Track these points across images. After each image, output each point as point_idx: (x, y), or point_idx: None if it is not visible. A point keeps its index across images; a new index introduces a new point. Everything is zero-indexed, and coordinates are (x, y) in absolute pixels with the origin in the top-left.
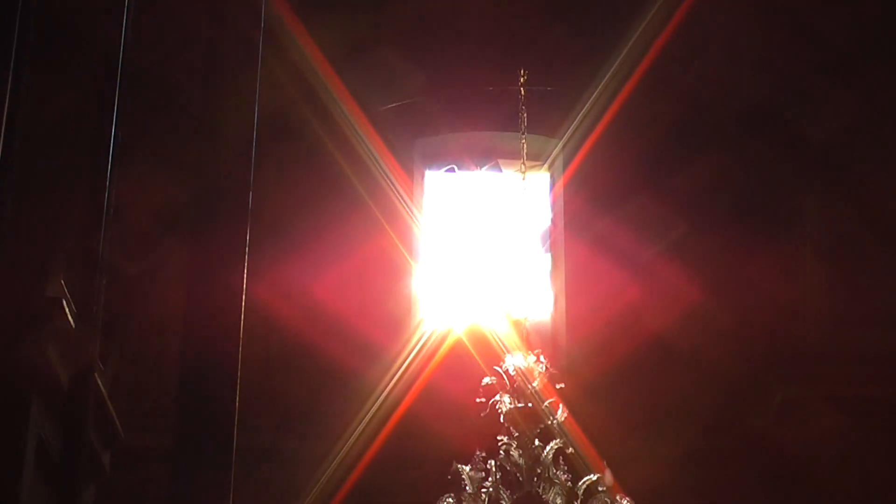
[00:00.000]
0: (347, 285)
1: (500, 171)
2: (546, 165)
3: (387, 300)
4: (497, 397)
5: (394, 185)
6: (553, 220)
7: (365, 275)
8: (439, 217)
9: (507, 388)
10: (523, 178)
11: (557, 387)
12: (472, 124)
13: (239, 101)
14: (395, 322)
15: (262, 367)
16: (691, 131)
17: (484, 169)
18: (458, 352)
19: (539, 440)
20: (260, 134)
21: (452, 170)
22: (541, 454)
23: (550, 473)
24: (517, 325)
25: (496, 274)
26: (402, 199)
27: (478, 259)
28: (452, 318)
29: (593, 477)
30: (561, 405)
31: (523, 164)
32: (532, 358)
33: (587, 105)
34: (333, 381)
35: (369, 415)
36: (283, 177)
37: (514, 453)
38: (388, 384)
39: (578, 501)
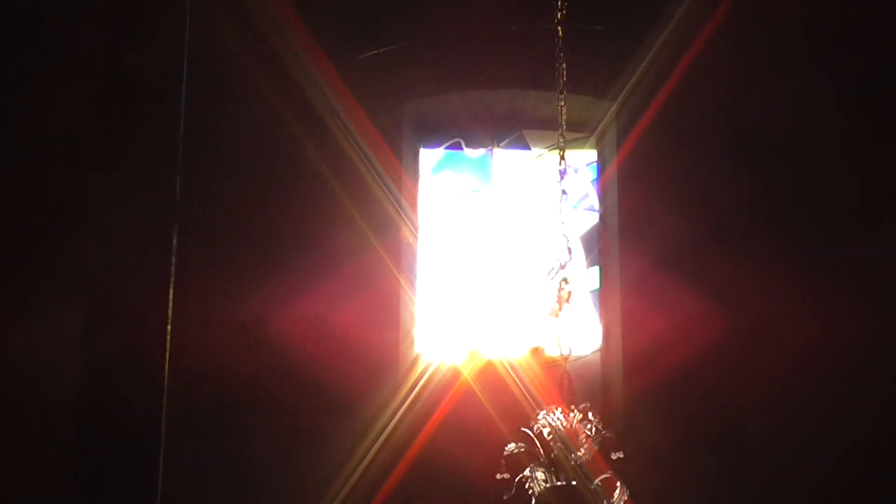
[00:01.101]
0: (317, 316)
1: (527, 147)
2: (593, 140)
3: (371, 332)
4: (527, 472)
5: (376, 171)
6: (602, 220)
7: (341, 301)
8: (440, 216)
9: (541, 458)
10: (561, 159)
11: (613, 457)
12: (485, 80)
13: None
14: (383, 361)
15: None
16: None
17: (502, 145)
18: (466, 402)
19: None
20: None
21: (458, 146)
22: None
23: None
24: (554, 366)
25: (521, 295)
26: (388, 191)
27: (495, 274)
28: (459, 354)
29: None
30: (619, 485)
31: (561, 137)
32: (577, 415)
33: (653, 51)
34: (303, 444)
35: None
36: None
37: None
38: (369, 447)
39: None
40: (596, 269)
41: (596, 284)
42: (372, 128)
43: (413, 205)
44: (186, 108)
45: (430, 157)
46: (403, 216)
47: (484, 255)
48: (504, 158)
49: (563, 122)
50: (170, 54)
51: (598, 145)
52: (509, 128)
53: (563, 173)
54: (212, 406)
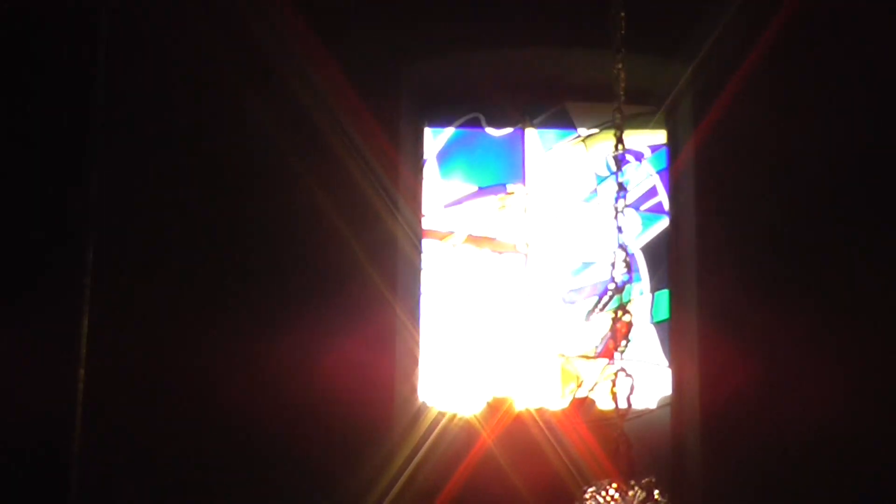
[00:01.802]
0: (282, 364)
1: (571, 126)
2: (661, 117)
3: (359, 378)
4: None
5: (364, 160)
6: (675, 226)
7: (317, 340)
8: (450, 219)
9: None
10: (617, 142)
11: None
12: (513, 34)
13: None
14: (374, 416)
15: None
16: None
17: (536, 122)
18: (485, 471)
19: None
20: None
21: (475, 124)
22: None
23: None
24: (607, 425)
25: (560, 327)
26: (379, 187)
27: (524, 298)
28: (475, 404)
29: None
30: None
31: (617, 112)
32: (638, 493)
33: None
34: None
35: None
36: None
37: None
38: None
39: None
40: (664, 294)
41: (664, 314)
42: (358, 100)
43: (414, 205)
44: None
45: (437, 140)
46: (401, 221)
47: (509, 274)
48: (539, 141)
49: (622, 92)
50: None
51: (668, 123)
52: (546, 99)
53: (620, 161)
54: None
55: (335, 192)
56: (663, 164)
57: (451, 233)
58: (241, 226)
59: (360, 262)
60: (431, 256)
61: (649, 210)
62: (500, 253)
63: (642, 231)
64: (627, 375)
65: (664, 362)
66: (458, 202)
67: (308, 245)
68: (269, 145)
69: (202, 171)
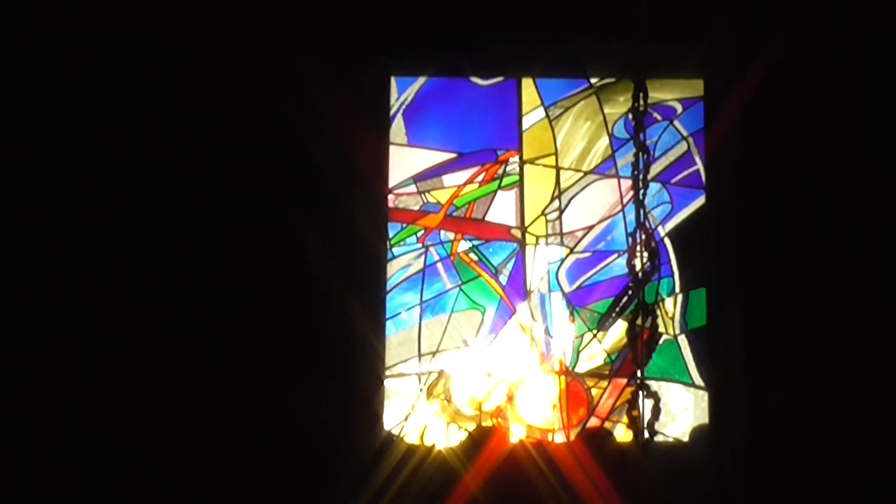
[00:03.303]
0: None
1: (582, 76)
2: (696, 60)
3: (306, 402)
4: None
5: (311, 119)
6: (713, 205)
7: (247, 355)
8: (423, 196)
9: None
10: (639, 94)
11: None
12: None
13: None
14: (327, 450)
15: None
16: None
17: (536, 69)
18: None
19: None
20: None
21: (457, 73)
22: None
23: None
24: (628, 459)
25: (564, 335)
26: (334, 156)
27: (520, 300)
28: (455, 432)
29: None
30: None
31: (638, 49)
32: None
33: None
34: None
35: None
36: None
37: None
38: None
39: None
40: (700, 293)
41: (700, 319)
42: (306, 42)
43: (377, 178)
44: None
45: (406, 93)
46: (359, 198)
47: (500, 267)
48: (539, 93)
49: (644, 23)
50: None
51: (706, 70)
52: (548, 37)
53: (642, 117)
54: None
55: (271, 160)
56: (700, 123)
57: (426, 213)
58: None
59: (305, 251)
60: (400, 244)
61: (681, 184)
62: (488, 240)
63: (672, 211)
64: (650, 397)
65: (699, 382)
66: (434, 173)
67: (236, 227)
68: (189, 116)
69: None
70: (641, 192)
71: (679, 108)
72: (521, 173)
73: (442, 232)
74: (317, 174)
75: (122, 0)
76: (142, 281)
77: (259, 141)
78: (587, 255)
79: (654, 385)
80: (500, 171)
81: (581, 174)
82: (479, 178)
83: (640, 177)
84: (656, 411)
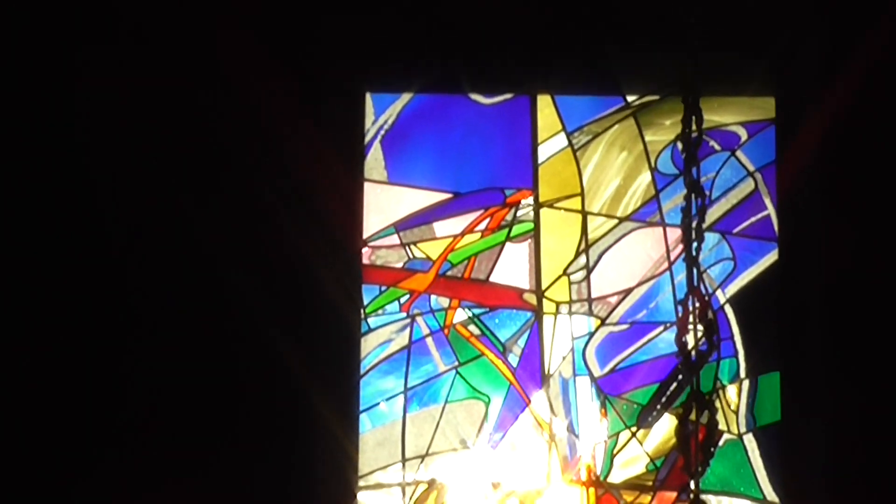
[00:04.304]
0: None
1: (617, 94)
2: (765, 74)
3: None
4: None
5: (268, 149)
6: (788, 257)
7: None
8: (411, 253)
9: None
10: (690, 116)
11: None
12: None
13: None
14: None
15: None
16: None
17: (554, 82)
18: None
19: None
20: None
21: (451, 88)
22: None
23: None
24: None
25: (594, 430)
26: (291, 193)
27: (536, 382)
28: None
29: None
30: None
31: (692, 63)
32: None
33: None
34: None
35: None
36: None
37: None
38: None
39: None
40: (773, 379)
41: (773, 414)
42: (267, 56)
43: (349, 226)
44: None
45: (386, 114)
46: (325, 254)
47: (507, 339)
48: (559, 114)
49: (698, 26)
50: None
51: (778, 85)
52: (570, 41)
53: (696, 147)
54: None
55: (215, 199)
56: (770, 154)
57: (411, 272)
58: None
59: (256, 323)
60: (378, 312)
61: (747, 234)
62: (493, 308)
63: (735, 270)
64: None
65: (772, 496)
66: (423, 220)
67: (173, 289)
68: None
69: None
70: (695, 245)
71: (744, 134)
72: (536, 220)
73: (433, 297)
74: (271, 224)
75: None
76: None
77: (201, 188)
78: (623, 327)
79: (712, 501)
80: (510, 217)
81: (615, 221)
82: (482, 225)
83: (693, 225)
84: None
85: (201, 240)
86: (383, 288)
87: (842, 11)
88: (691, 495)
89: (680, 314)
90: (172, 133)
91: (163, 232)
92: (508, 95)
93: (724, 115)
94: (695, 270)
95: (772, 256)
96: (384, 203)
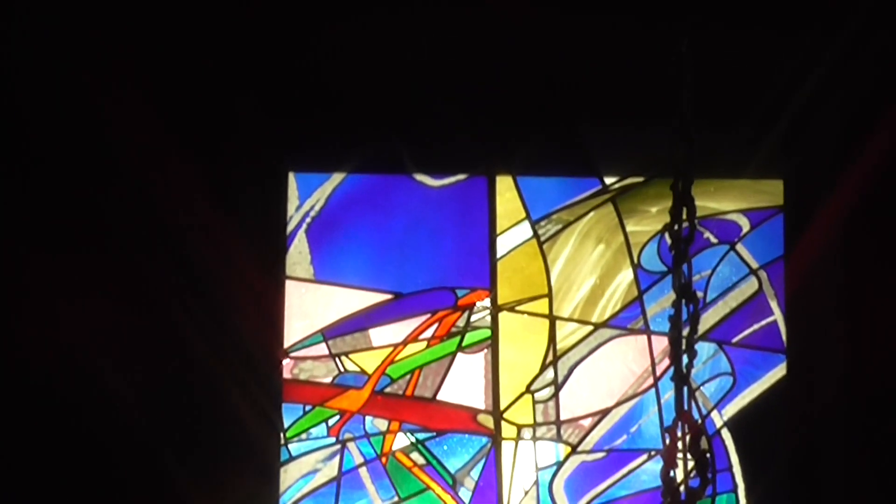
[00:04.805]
0: None
1: (593, 175)
2: (770, 150)
3: None
4: None
5: (170, 239)
6: (798, 374)
7: None
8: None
9: None
10: (680, 199)
11: None
12: None
13: None
14: None
15: None
16: None
17: (517, 160)
18: None
19: None
20: None
21: (395, 168)
22: None
23: None
24: None
25: None
26: (196, 296)
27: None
28: None
29: None
30: None
31: (685, 136)
32: None
33: None
34: None
35: None
36: None
37: None
38: None
39: None
40: None
41: None
42: (162, 131)
43: (267, 332)
44: None
45: (313, 198)
46: (231, 368)
47: (465, 475)
48: (522, 198)
49: (689, 94)
50: None
51: (787, 165)
52: (536, 115)
53: (688, 241)
54: None
55: (99, 303)
56: (778, 249)
57: (342, 389)
58: None
59: (150, 446)
60: (300, 437)
61: (749, 345)
62: (442, 433)
63: (734, 388)
64: None
65: None
66: (356, 325)
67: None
68: None
69: None
70: (685, 358)
71: (746, 224)
72: (494, 326)
73: (368, 418)
74: (168, 329)
75: None
76: None
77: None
78: (598, 456)
79: None
80: (462, 323)
81: (590, 328)
82: (428, 333)
83: (684, 334)
84: None
85: (77, 347)
86: (308, 407)
87: (859, 80)
88: None
89: (667, 442)
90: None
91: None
92: (461, 176)
93: (721, 201)
94: (685, 389)
95: (779, 371)
96: (309, 305)
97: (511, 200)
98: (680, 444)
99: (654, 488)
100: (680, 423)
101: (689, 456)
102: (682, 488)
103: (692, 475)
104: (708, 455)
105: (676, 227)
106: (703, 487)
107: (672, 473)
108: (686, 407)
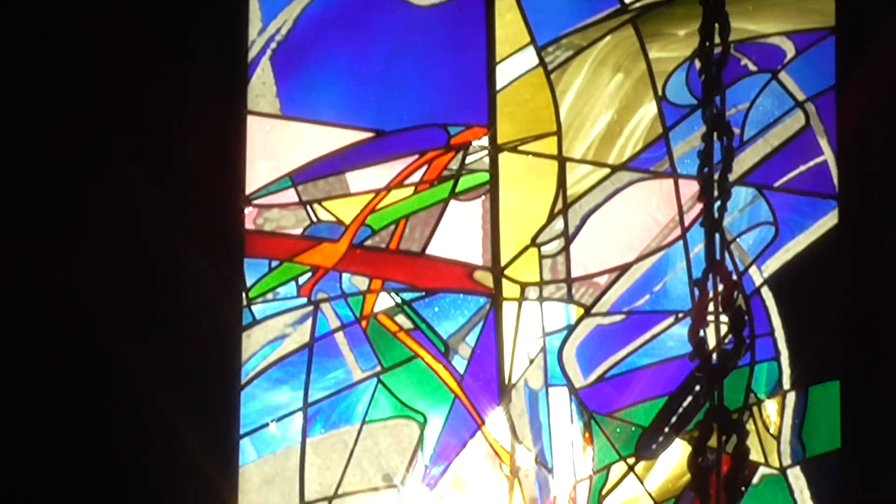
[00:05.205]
0: None
1: (616, 0)
2: (827, 4)
3: None
4: None
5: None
6: (851, 219)
7: None
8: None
9: None
10: (714, 46)
11: None
12: None
13: None
14: None
15: None
16: None
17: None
18: None
19: None
20: None
21: None
22: None
23: None
24: None
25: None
26: (143, 136)
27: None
28: None
29: None
30: None
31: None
32: None
33: None
34: None
35: None
36: None
37: None
38: None
39: None
40: (829, 390)
41: (830, 441)
42: None
43: (228, 175)
44: None
45: (279, 19)
46: (185, 217)
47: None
48: (525, 19)
49: None
50: None
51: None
52: None
53: (720, 66)
54: None
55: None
56: (829, 78)
57: (314, 241)
58: None
59: (89, 305)
60: (265, 297)
61: (793, 188)
62: (432, 293)
63: (776, 239)
64: None
65: None
66: (331, 167)
67: None
68: None
69: None
70: (718, 203)
71: (790, 49)
72: (493, 169)
73: (345, 276)
74: (113, 175)
75: None
76: None
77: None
78: (617, 319)
79: None
80: (456, 166)
81: (606, 171)
82: (416, 177)
83: (717, 176)
84: None
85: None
86: (274, 264)
87: None
88: None
89: (696, 299)
90: None
91: None
92: None
93: (762, 22)
94: (717, 238)
95: (829, 219)
96: (275, 145)
97: (513, 22)
98: (711, 304)
99: (681, 356)
100: (711, 276)
101: (722, 315)
102: (714, 353)
103: (727, 338)
104: (745, 315)
105: (707, 44)
106: (739, 351)
107: (702, 334)
108: (719, 257)
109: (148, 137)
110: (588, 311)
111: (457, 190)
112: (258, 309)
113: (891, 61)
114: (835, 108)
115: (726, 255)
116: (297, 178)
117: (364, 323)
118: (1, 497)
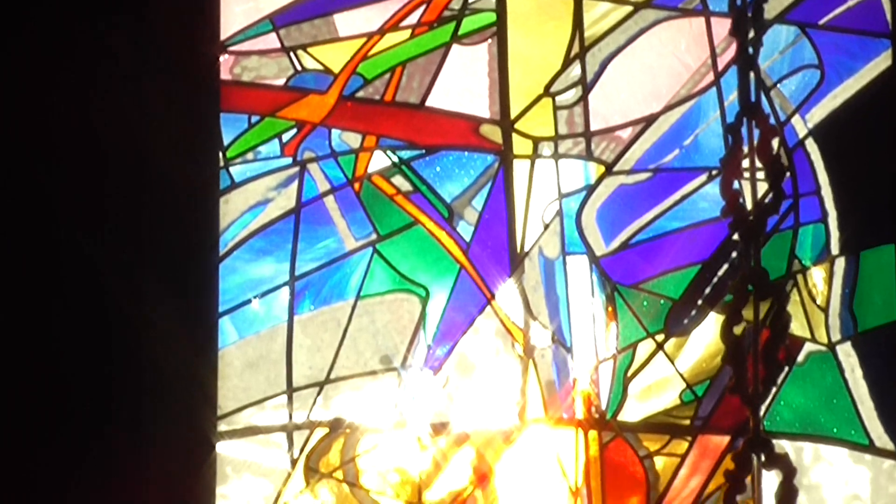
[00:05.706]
0: None
1: None
2: None
3: None
4: None
5: None
6: None
7: None
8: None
9: None
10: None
11: None
12: None
13: None
14: None
15: None
16: None
17: None
18: None
19: None
20: None
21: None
22: None
23: None
24: None
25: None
26: None
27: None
28: None
29: None
30: None
31: None
32: None
33: None
34: None
35: None
36: None
37: None
38: None
39: None
40: (884, 254)
41: (884, 313)
42: None
43: (198, 19)
44: None
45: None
46: (154, 66)
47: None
48: None
49: None
50: None
51: None
52: None
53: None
54: None
55: None
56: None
57: (299, 93)
58: None
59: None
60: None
61: (841, 26)
62: (433, 149)
63: (822, 84)
64: (777, 465)
65: (884, 442)
66: (316, 8)
67: None
68: None
69: None
70: (752, 44)
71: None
72: (500, 8)
73: (335, 133)
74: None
75: None
76: None
77: None
78: (642, 177)
79: (786, 447)
80: (458, 6)
81: (629, 8)
82: (412, 18)
83: (752, 13)
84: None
85: None
86: (254, 119)
87: None
88: (751, 440)
89: (730, 153)
90: None
91: None
92: None
93: None
94: (753, 81)
95: (882, 61)
96: None
97: None
98: (746, 148)
99: (715, 219)
100: (747, 124)
101: (759, 169)
102: (751, 211)
103: (767, 195)
104: (785, 167)
105: None
106: (779, 205)
107: (737, 185)
108: (755, 101)
109: None
110: (609, 169)
111: (459, 33)
112: (237, 170)
113: None
114: None
115: (763, 98)
116: (279, 20)
117: (357, 185)
118: None
